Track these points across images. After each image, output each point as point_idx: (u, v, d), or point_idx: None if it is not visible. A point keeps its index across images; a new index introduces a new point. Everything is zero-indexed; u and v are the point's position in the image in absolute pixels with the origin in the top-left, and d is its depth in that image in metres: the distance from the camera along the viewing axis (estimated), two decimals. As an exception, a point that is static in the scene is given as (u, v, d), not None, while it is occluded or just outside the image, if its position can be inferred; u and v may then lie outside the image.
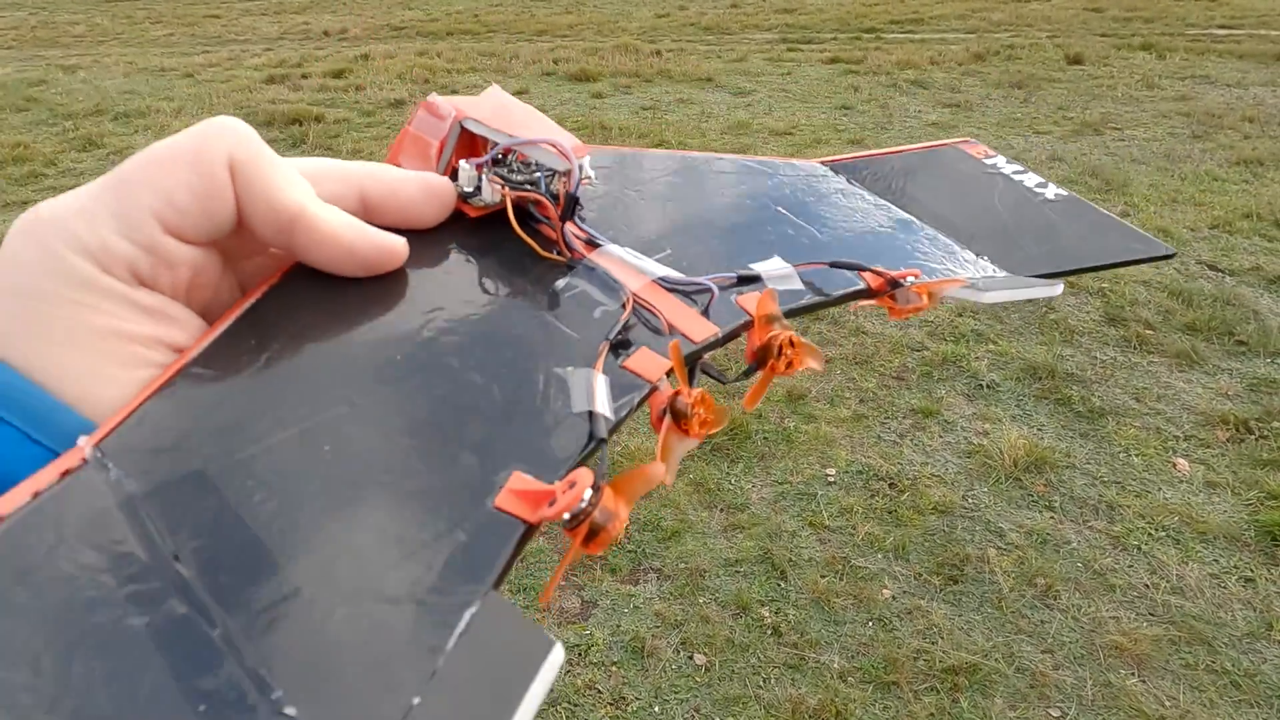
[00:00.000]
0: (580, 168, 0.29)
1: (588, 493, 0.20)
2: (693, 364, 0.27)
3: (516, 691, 0.16)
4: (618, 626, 1.46)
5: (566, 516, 0.20)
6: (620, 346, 0.26)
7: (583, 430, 0.24)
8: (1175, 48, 6.66)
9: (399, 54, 7.14)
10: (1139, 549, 1.58)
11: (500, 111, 0.30)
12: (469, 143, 0.30)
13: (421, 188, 0.27)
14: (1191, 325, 2.32)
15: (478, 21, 9.47)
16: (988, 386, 2.09)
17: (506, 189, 0.29)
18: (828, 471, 1.80)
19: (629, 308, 0.27)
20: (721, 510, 1.70)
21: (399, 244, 0.25)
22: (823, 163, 0.44)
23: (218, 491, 0.19)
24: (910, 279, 0.32)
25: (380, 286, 0.25)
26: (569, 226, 0.29)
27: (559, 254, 0.29)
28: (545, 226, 0.30)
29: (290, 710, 0.15)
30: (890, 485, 1.76)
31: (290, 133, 4.62)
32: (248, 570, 0.18)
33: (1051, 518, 1.66)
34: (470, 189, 0.29)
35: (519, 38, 8.21)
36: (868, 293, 0.32)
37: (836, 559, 1.57)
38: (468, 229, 0.29)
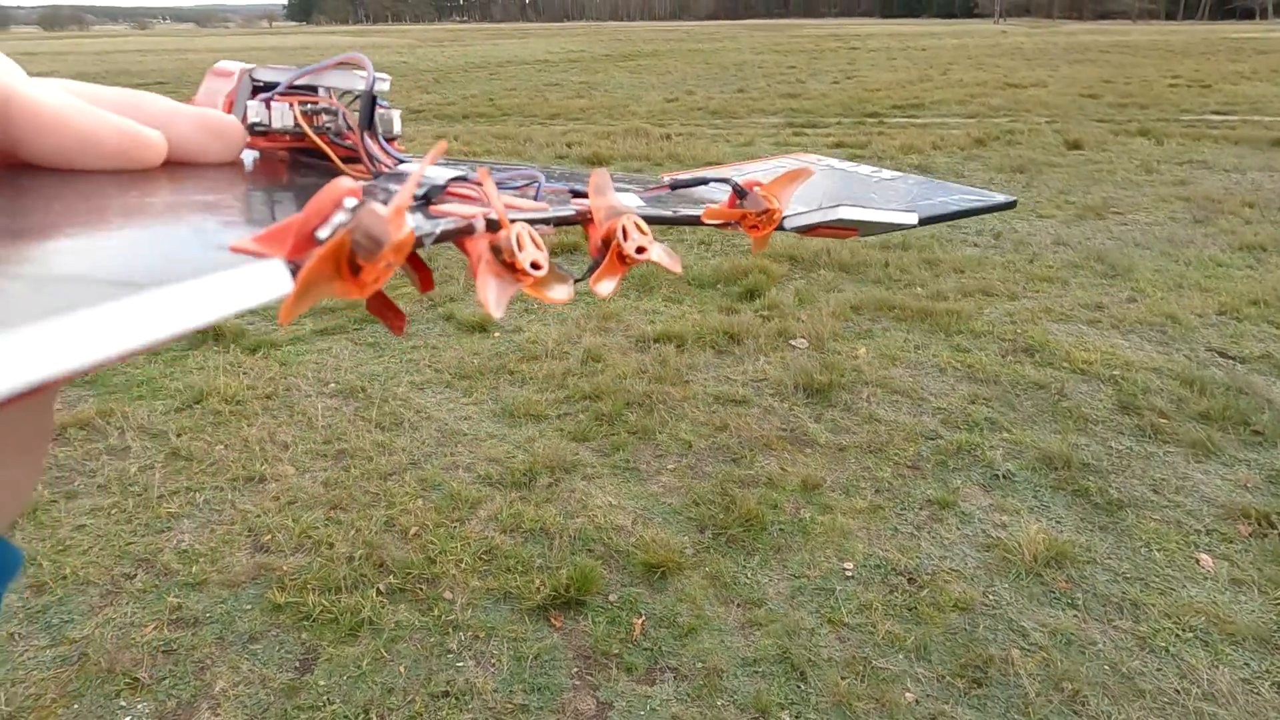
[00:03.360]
0: (375, 79, 0.27)
1: (351, 200, 0.17)
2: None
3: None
4: (633, 729, 1.43)
5: (323, 235, 0.16)
6: (420, 206, 0.22)
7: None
8: (1172, 133, 6.83)
9: (417, 136, 7.38)
10: (1167, 650, 1.54)
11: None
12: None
13: (197, 121, 0.23)
14: (1206, 414, 2.32)
15: (493, 105, 9.81)
16: (1004, 476, 2.08)
17: (295, 101, 0.28)
18: (845, 565, 1.78)
19: (444, 189, 0.24)
20: (738, 606, 1.67)
21: (149, 132, 0.21)
22: (667, 176, 0.44)
23: None
24: (756, 188, 0.31)
25: (119, 179, 0.21)
26: (373, 145, 0.28)
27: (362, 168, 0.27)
28: (354, 165, 0.28)
29: None
30: (909, 580, 1.73)
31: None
32: None
33: (1075, 616, 1.63)
34: (258, 119, 0.28)
35: (533, 121, 8.49)
36: (719, 209, 0.31)
37: (857, 659, 1.54)
38: (269, 170, 0.27)
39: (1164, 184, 5.18)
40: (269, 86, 0.28)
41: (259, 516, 1.93)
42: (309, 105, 0.28)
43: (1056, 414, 2.37)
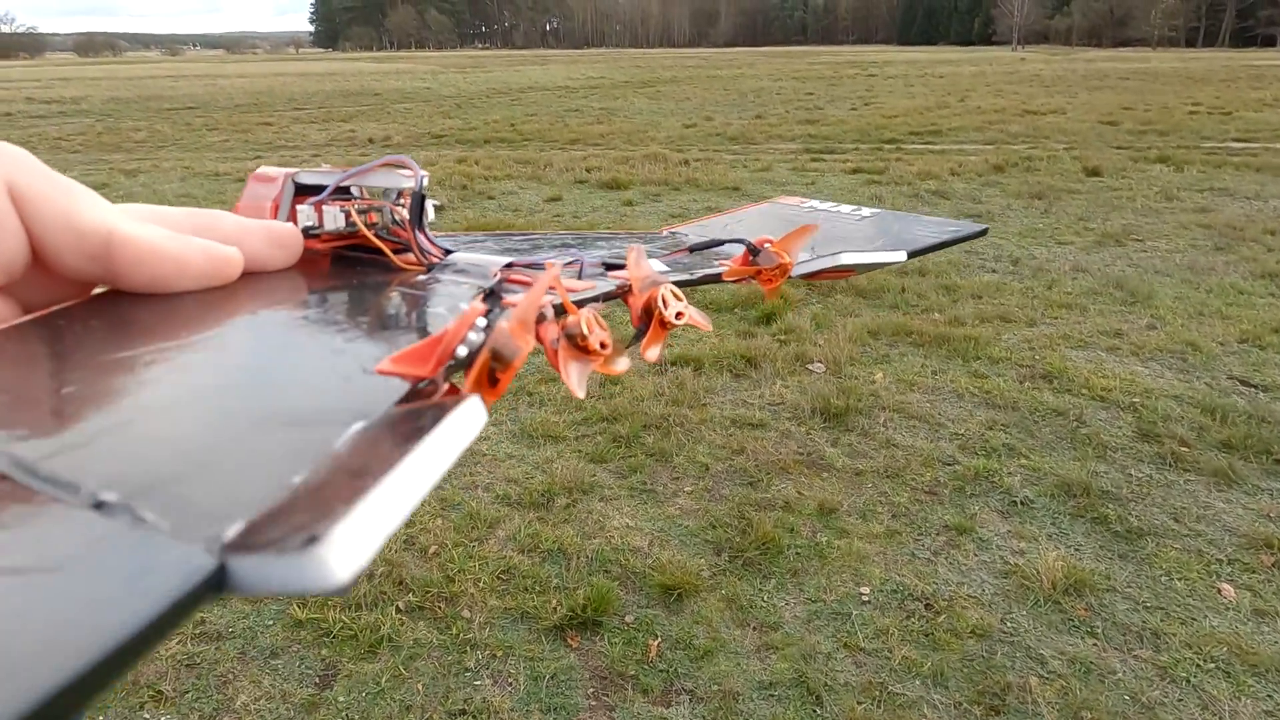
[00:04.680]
0: (422, 177, 0.29)
1: (481, 320, 0.19)
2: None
3: (421, 437, 0.15)
4: (649, 751, 1.43)
5: (463, 352, 0.19)
6: (492, 298, 0.25)
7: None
8: (1192, 160, 6.81)
9: (439, 160, 7.50)
10: (1188, 681, 1.53)
11: (334, 170, 0.30)
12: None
13: (265, 235, 0.25)
14: (1227, 443, 2.30)
15: (514, 130, 9.96)
16: (1022, 503, 2.07)
17: (351, 204, 0.29)
18: (862, 590, 1.78)
19: (498, 277, 0.27)
20: (754, 629, 1.68)
21: (230, 251, 0.23)
22: (666, 230, 0.49)
23: None
24: (766, 244, 0.35)
25: (212, 298, 0.23)
26: (423, 239, 0.30)
27: (418, 260, 0.29)
28: (402, 256, 0.30)
29: (108, 495, 0.13)
30: (926, 606, 1.73)
31: (334, 236, 4.83)
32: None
33: (1094, 645, 1.62)
34: (311, 223, 0.29)
35: (553, 146, 8.61)
36: (736, 266, 0.34)
37: (873, 684, 1.54)
38: (322, 269, 0.28)
39: (1184, 211, 5.16)
40: (312, 189, 0.30)
41: (282, 533, 1.96)
42: (364, 207, 0.29)
43: (1075, 441, 2.36)
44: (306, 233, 0.29)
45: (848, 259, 0.39)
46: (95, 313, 0.21)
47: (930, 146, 8.14)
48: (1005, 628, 1.67)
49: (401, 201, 0.30)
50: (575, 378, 0.23)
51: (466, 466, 2.26)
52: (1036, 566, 1.81)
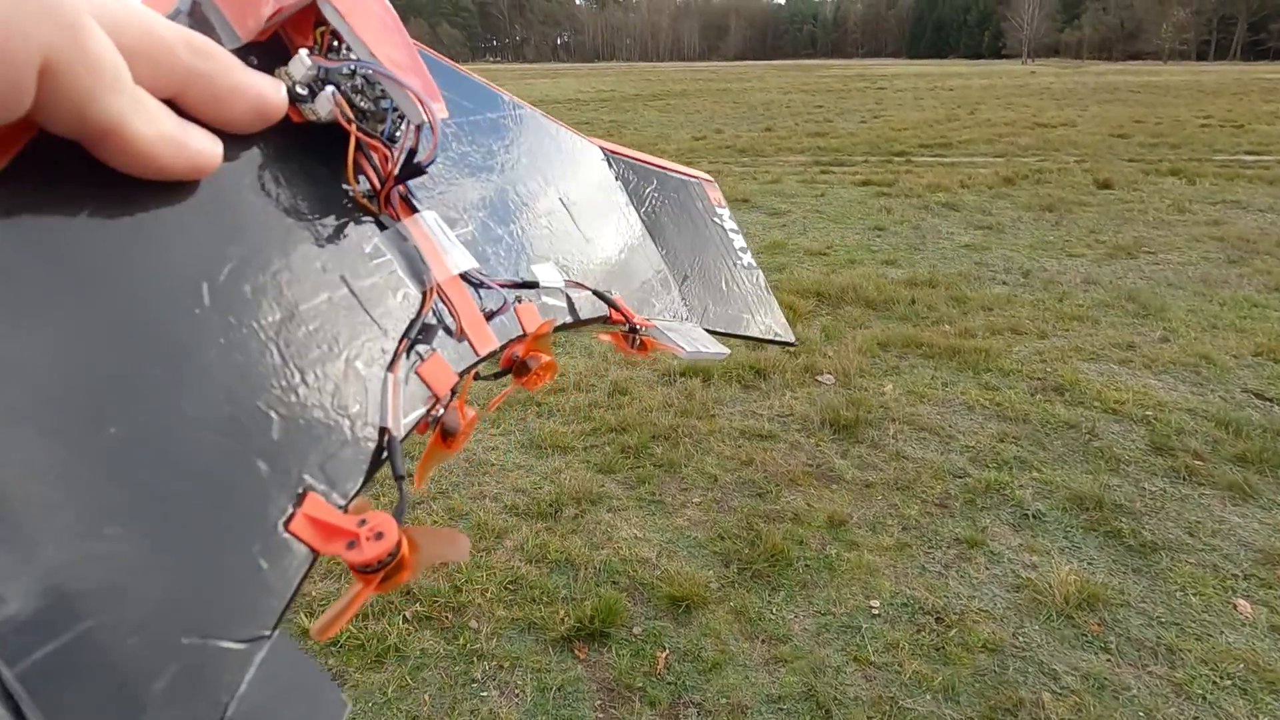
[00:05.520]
0: (437, 140, 0.26)
1: (395, 546, 0.20)
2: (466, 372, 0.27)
3: None
4: (656, 765, 1.42)
5: (359, 560, 0.19)
6: (416, 343, 0.25)
7: (372, 446, 0.23)
8: (1204, 173, 6.78)
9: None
10: (1204, 698, 1.51)
11: (367, 12, 0.25)
12: (305, 22, 0.25)
13: (255, 108, 0.23)
14: (1242, 456, 2.28)
15: (524, 142, 10.00)
16: (1034, 516, 2.05)
17: (350, 118, 0.25)
18: (872, 603, 1.76)
19: (429, 301, 0.26)
20: (763, 641, 1.66)
21: (214, 156, 0.21)
22: (603, 148, 0.51)
23: None
24: (644, 328, 0.38)
25: (171, 194, 0.21)
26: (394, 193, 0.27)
27: (377, 208, 0.26)
28: (366, 165, 0.26)
29: None
30: (937, 619, 1.71)
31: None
32: None
33: (1108, 660, 1.60)
34: (303, 89, 0.24)
35: (563, 158, 8.64)
36: (608, 321, 0.37)
37: (883, 698, 1.52)
38: (284, 132, 0.24)
39: (1197, 224, 5.13)
40: (316, 21, 0.25)
41: (290, 542, 1.97)
42: (361, 103, 0.25)
43: (1088, 454, 2.34)
44: (292, 96, 0.24)
45: (682, 342, 0.41)
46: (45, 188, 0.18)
47: (940, 159, 8.13)
48: (1017, 642, 1.65)
49: (400, 130, 0.26)
50: (429, 470, 0.27)
51: (474, 476, 2.26)
52: (1049, 580, 1.80)
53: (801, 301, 3.63)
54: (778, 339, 0.55)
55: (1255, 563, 1.86)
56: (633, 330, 0.37)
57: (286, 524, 0.18)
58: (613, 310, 0.37)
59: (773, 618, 1.73)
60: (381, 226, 0.26)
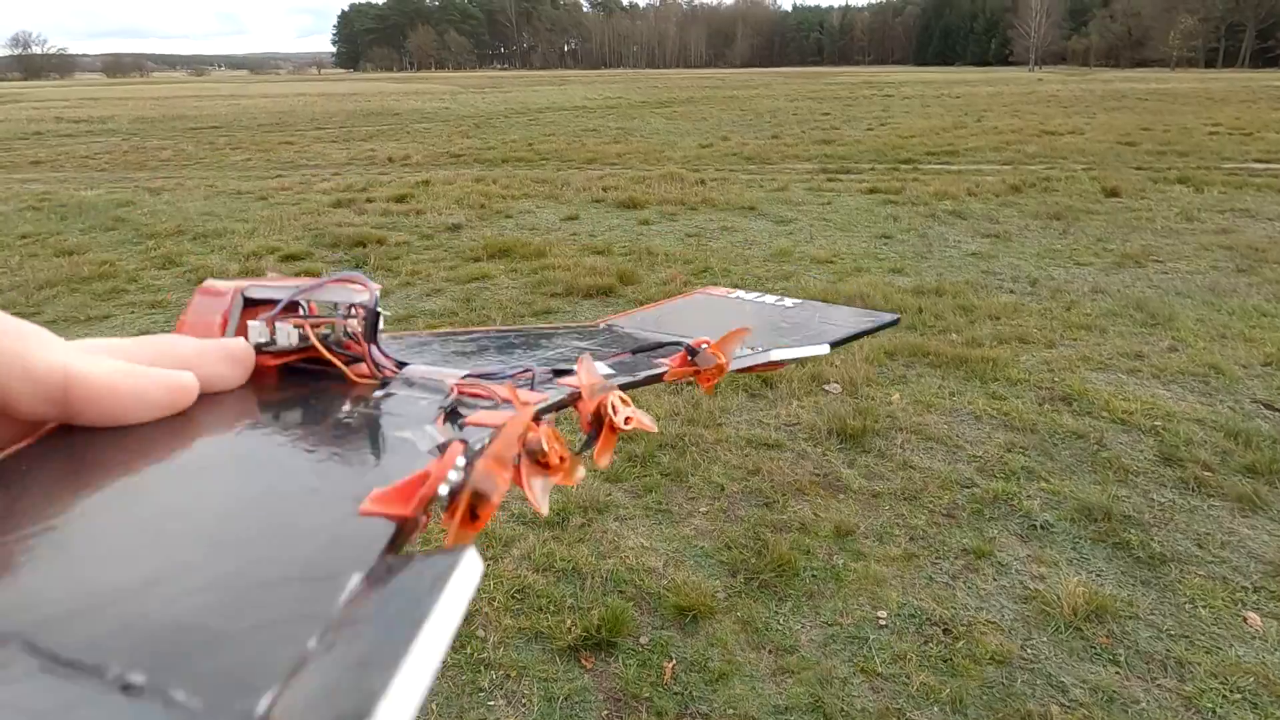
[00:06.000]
0: (375, 291, 0.29)
1: (460, 459, 0.20)
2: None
3: (428, 602, 0.15)
4: (663, 775, 1.42)
5: (444, 491, 0.19)
6: (453, 416, 0.26)
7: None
8: (1212, 181, 6.76)
9: (457, 180, 7.58)
10: (1214, 712, 1.50)
11: (282, 280, 0.30)
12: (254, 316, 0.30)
13: (220, 354, 0.25)
14: (1252, 467, 2.27)
15: (531, 150, 10.05)
16: (1041, 527, 2.05)
17: (305, 323, 0.28)
18: (879, 614, 1.76)
19: (454, 393, 0.27)
20: (770, 652, 1.66)
21: (186, 378, 0.23)
22: (605, 322, 0.51)
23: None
24: (704, 345, 0.37)
25: (172, 427, 0.22)
26: (377, 353, 0.29)
27: (370, 377, 0.28)
28: (353, 367, 0.29)
29: (135, 678, 0.13)
30: (944, 631, 1.71)
31: (354, 254, 4.89)
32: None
33: (1117, 673, 1.59)
34: (264, 339, 0.28)
35: (570, 165, 8.68)
36: (676, 367, 0.36)
37: (890, 710, 1.51)
38: (272, 384, 0.28)
39: (1205, 232, 5.12)
40: (261, 303, 0.30)
41: (298, 550, 1.97)
42: (316, 321, 0.29)
43: (1096, 464, 2.33)
44: (259, 349, 0.28)
45: (777, 355, 0.42)
46: (53, 453, 0.21)
47: (947, 167, 8.13)
48: (1025, 654, 1.64)
49: (354, 315, 0.29)
50: (539, 493, 0.24)
51: (482, 484, 2.26)
52: (1057, 592, 1.79)
53: (808, 310, 3.63)
54: (877, 324, 0.53)
55: (1265, 575, 1.85)
56: (693, 352, 0.37)
57: (360, 510, 0.19)
58: (666, 349, 0.39)
59: (779, 628, 1.72)
60: (384, 384, 0.28)
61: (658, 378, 0.35)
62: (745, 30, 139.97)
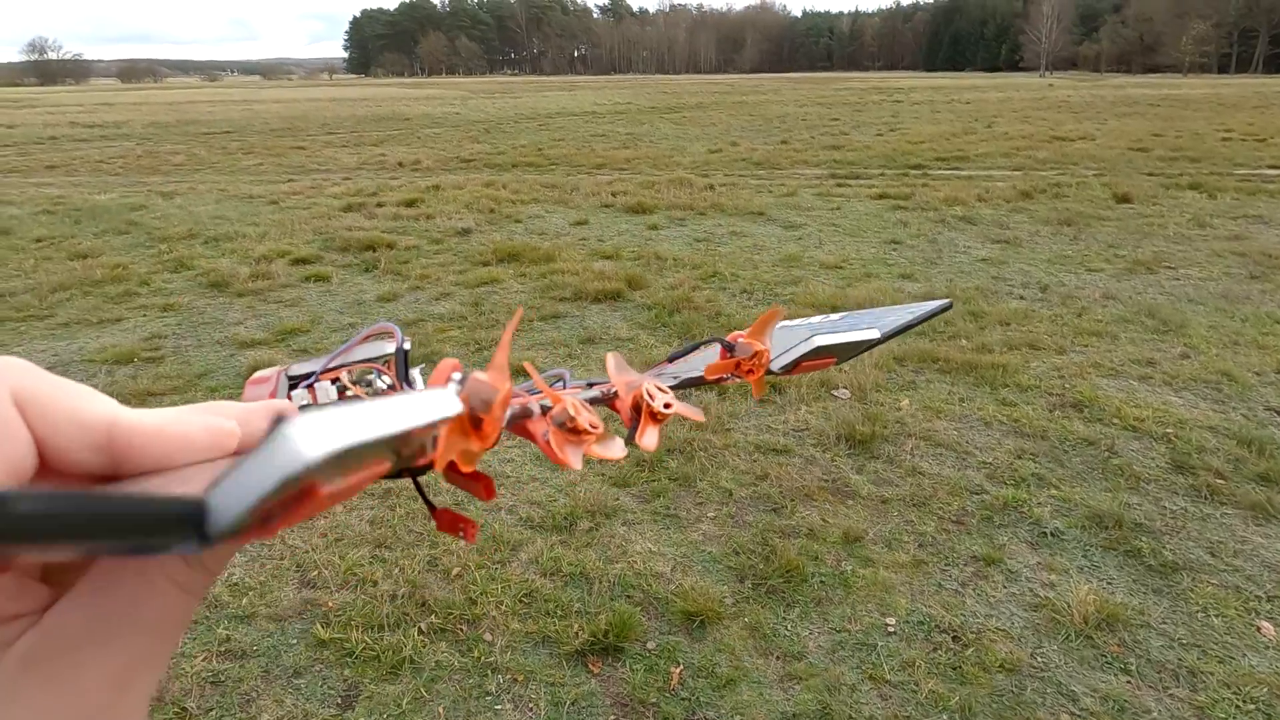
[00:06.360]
0: (404, 341, 0.32)
1: (455, 374, 0.22)
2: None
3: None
4: (670, 781, 1.41)
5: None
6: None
7: None
8: (1225, 187, 6.72)
9: (467, 184, 7.60)
10: (1227, 722, 1.48)
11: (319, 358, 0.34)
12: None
13: (265, 411, 0.26)
14: (1265, 476, 2.25)
15: (540, 155, 10.08)
16: (1052, 534, 2.03)
17: (346, 376, 0.32)
18: (887, 620, 1.75)
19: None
20: (778, 658, 1.66)
21: (229, 424, 0.23)
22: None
23: None
24: (739, 338, 0.37)
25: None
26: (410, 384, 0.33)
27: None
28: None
29: None
30: (954, 638, 1.70)
31: (364, 258, 4.91)
32: None
33: (1128, 682, 1.58)
34: (306, 403, 0.31)
35: (579, 171, 8.69)
36: (716, 364, 0.36)
37: (899, 718, 1.51)
38: None
39: (1218, 239, 5.08)
40: (304, 377, 0.33)
41: (307, 553, 1.98)
42: (353, 376, 0.32)
43: (1107, 471, 2.32)
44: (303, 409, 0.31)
45: (821, 340, 0.41)
46: None
47: (957, 172, 8.11)
48: (1035, 662, 1.63)
49: (386, 364, 0.32)
50: (570, 454, 0.25)
51: (490, 488, 2.26)
52: (1067, 600, 1.78)
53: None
54: (931, 311, 0.50)
55: (1278, 584, 1.83)
56: (729, 347, 0.37)
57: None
58: (705, 348, 0.38)
59: (787, 634, 1.72)
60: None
61: (699, 379, 0.36)
62: (754, 36, 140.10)
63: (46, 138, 13.92)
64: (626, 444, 0.28)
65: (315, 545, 2.00)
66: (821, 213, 6.17)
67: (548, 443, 0.25)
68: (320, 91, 41.54)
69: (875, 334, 0.43)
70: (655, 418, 0.30)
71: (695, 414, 0.31)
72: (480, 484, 0.28)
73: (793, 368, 0.40)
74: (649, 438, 0.30)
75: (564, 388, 0.32)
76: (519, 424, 0.27)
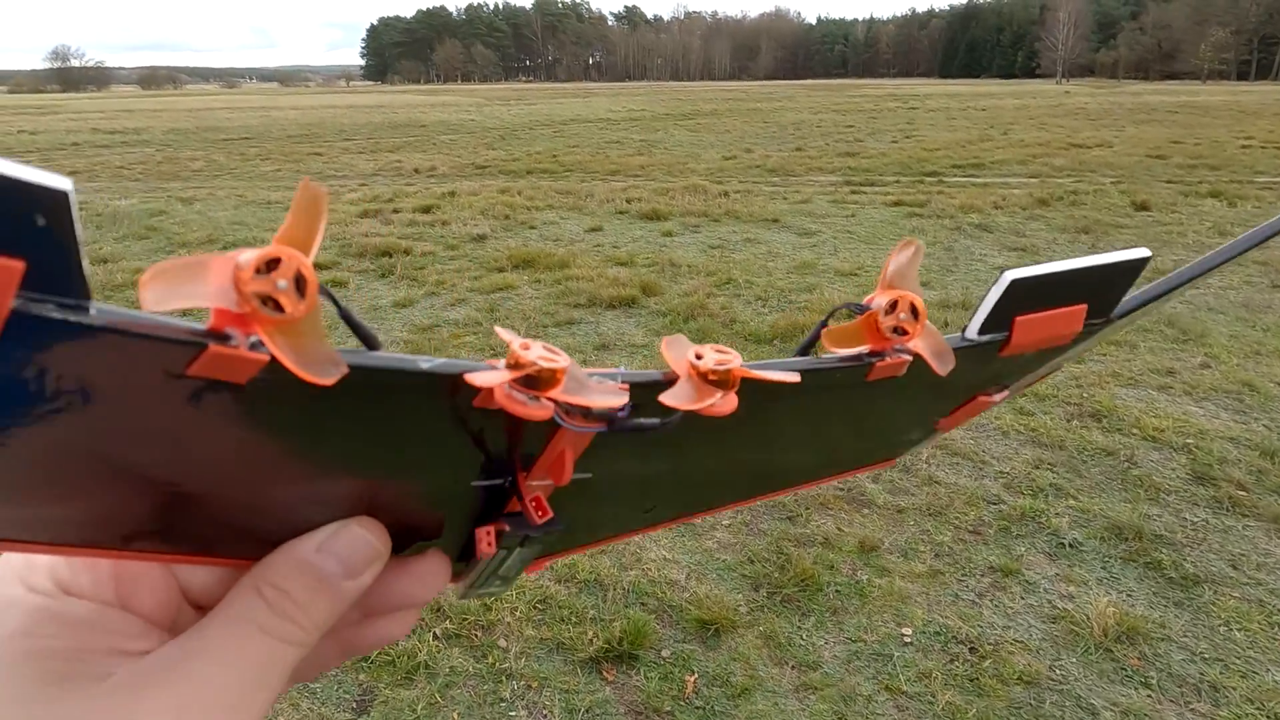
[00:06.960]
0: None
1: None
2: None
3: None
4: (684, 791, 1.40)
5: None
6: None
7: None
8: (1245, 195, 6.66)
9: (482, 191, 7.64)
10: (1250, 738, 1.46)
11: None
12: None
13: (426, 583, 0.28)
14: (1288, 488, 2.22)
15: (555, 162, 10.12)
16: (1070, 545, 2.01)
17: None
18: (904, 631, 1.74)
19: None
20: (793, 668, 1.65)
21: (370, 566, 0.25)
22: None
23: None
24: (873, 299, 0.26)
25: None
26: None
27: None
28: None
29: None
30: (971, 650, 1.68)
31: (380, 264, 4.94)
32: None
33: (1149, 696, 1.56)
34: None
35: (594, 177, 8.72)
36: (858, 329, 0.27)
37: (915, 729, 1.49)
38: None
39: (1238, 247, 5.03)
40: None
41: (323, 556, 1.99)
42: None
43: (1126, 482, 2.29)
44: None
45: (1014, 275, 0.26)
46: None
47: (973, 179, 8.07)
48: (1054, 675, 1.61)
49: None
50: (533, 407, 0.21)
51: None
52: (1086, 612, 1.76)
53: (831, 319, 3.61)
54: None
55: (1303, 598, 1.81)
56: (861, 310, 0.27)
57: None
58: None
59: (803, 643, 1.71)
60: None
61: (855, 361, 0.27)
62: (769, 43, 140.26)
63: (69, 144, 14.12)
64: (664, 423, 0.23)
65: (331, 549, 2.01)
66: (836, 220, 6.15)
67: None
68: (337, 98, 41.94)
69: (1145, 252, 0.28)
70: (708, 379, 0.23)
71: (787, 377, 0.23)
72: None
73: (1008, 335, 0.27)
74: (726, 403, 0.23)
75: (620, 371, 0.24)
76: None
